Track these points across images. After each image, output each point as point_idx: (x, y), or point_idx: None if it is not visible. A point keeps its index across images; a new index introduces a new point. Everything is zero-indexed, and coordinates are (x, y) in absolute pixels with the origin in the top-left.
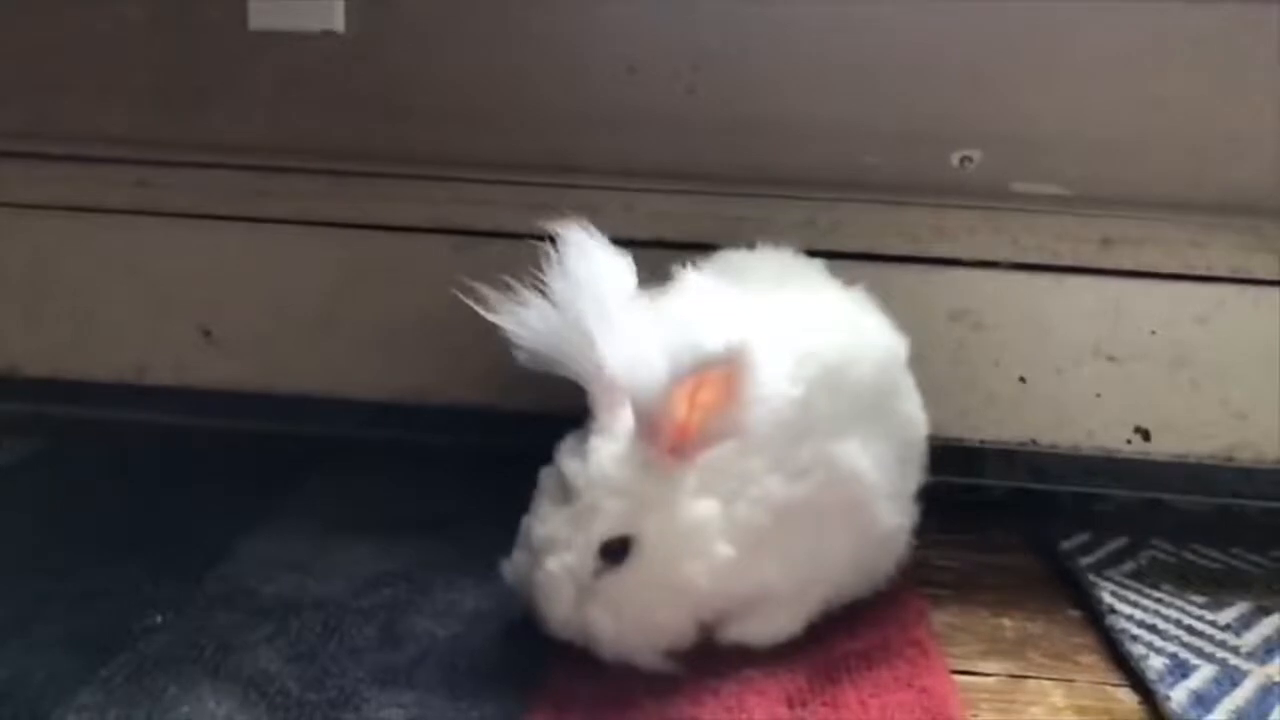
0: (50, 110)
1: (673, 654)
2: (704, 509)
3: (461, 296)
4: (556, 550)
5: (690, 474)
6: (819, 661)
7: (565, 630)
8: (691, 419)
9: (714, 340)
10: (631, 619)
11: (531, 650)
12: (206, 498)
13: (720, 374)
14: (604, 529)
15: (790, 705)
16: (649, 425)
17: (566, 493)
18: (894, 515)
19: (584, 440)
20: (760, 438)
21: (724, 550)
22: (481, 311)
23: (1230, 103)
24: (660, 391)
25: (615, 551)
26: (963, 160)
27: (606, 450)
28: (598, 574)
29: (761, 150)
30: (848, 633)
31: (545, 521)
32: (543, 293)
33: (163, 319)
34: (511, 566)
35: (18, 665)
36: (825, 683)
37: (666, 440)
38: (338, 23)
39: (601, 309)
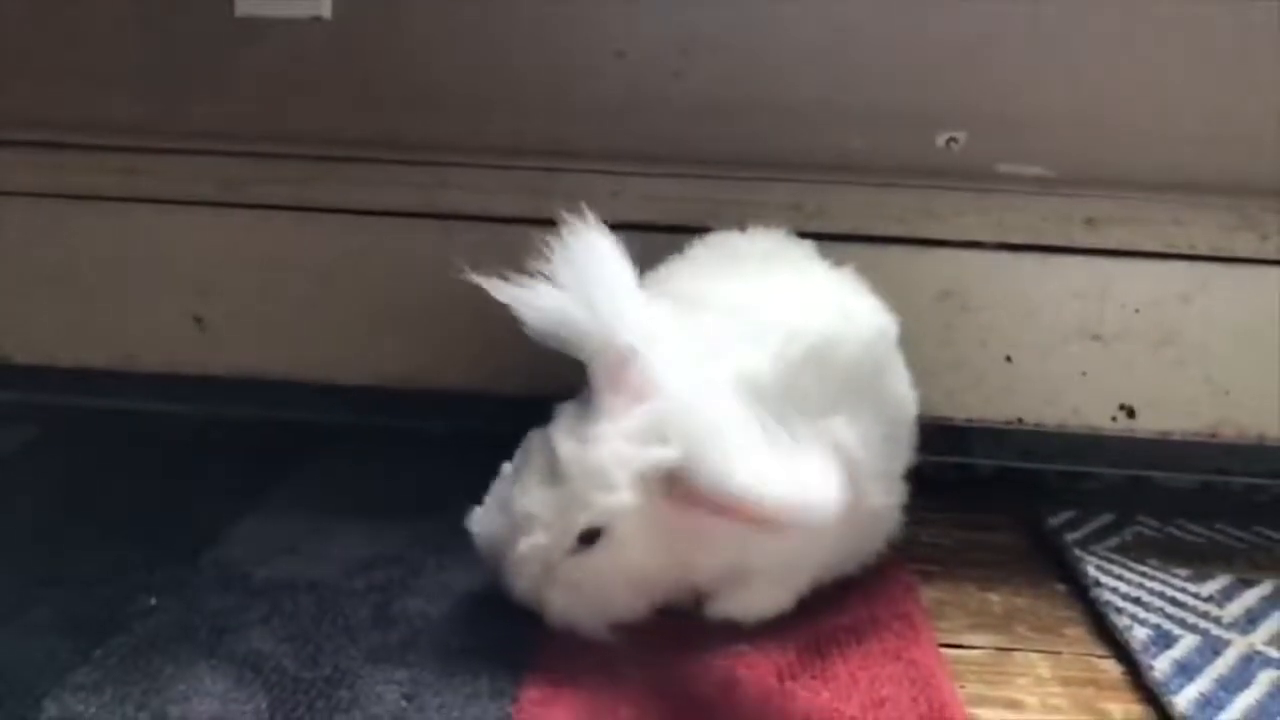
0: (39, 98)
1: (637, 628)
2: (682, 516)
3: (473, 278)
4: (533, 528)
5: None
6: (809, 636)
7: (524, 599)
8: None
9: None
10: (587, 598)
11: (524, 628)
12: (199, 484)
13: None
14: (586, 520)
15: (781, 679)
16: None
17: (555, 471)
18: (882, 494)
19: (581, 415)
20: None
21: (692, 550)
22: (491, 292)
23: (1213, 83)
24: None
25: (591, 538)
26: (948, 142)
27: (606, 443)
28: (571, 553)
29: (748, 133)
30: (837, 608)
31: (528, 495)
32: (546, 276)
33: (154, 306)
34: (482, 522)
35: (13, 647)
36: (815, 656)
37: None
38: (325, 9)
39: (607, 294)
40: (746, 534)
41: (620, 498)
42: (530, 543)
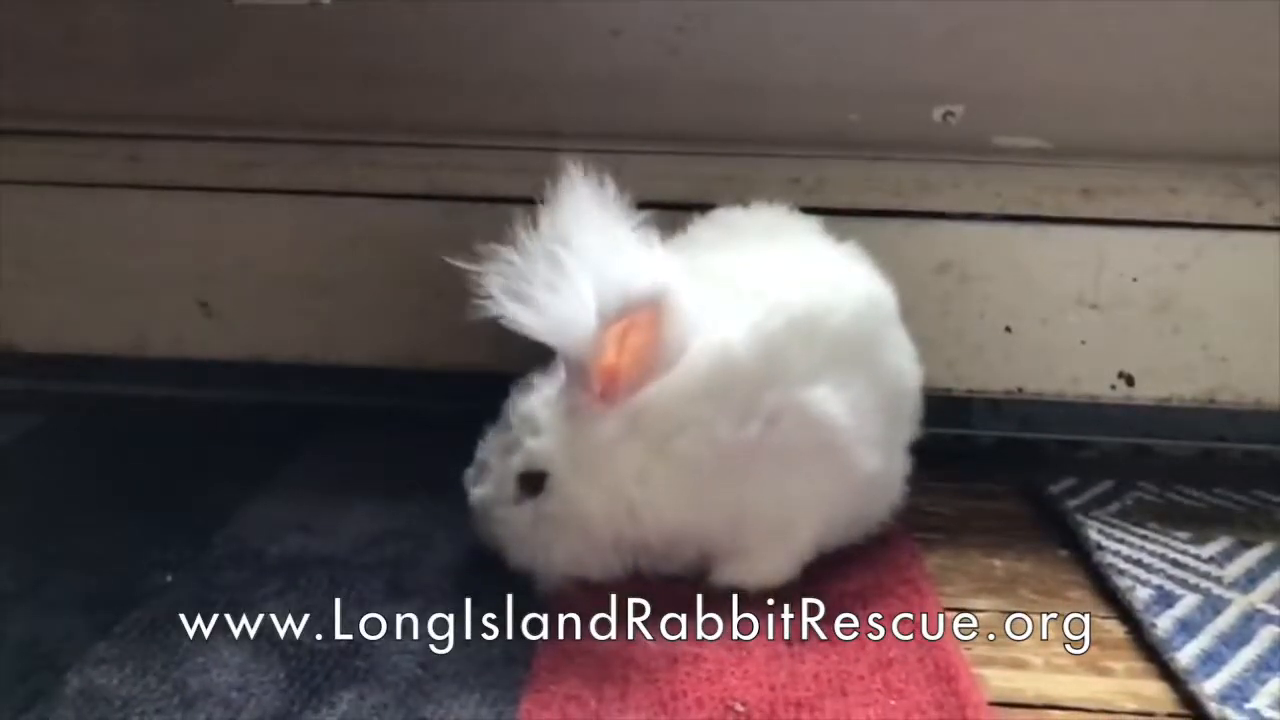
0: (41, 87)
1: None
2: (622, 453)
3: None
4: (484, 475)
5: (615, 419)
6: (816, 601)
7: (487, 544)
8: (620, 363)
9: (639, 282)
10: (535, 547)
11: (537, 597)
12: (209, 465)
13: (646, 315)
14: (520, 463)
15: (790, 642)
16: (577, 372)
17: (505, 423)
18: (875, 460)
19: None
20: (709, 384)
21: (636, 494)
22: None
23: (1207, 53)
24: (587, 339)
25: (533, 484)
26: (945, 115)
27: (541, 391)
28: (516, 501)
29: (746, 110)
30: (844, 575)
31: (485, 446)
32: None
33: (159, 292)
34: (466, 479)
35: (34, 624)
36: (823, 621)
37: (595, 385)
38: None
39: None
40: (683, 483)
41: (547, 438)
42: (479, 488)
